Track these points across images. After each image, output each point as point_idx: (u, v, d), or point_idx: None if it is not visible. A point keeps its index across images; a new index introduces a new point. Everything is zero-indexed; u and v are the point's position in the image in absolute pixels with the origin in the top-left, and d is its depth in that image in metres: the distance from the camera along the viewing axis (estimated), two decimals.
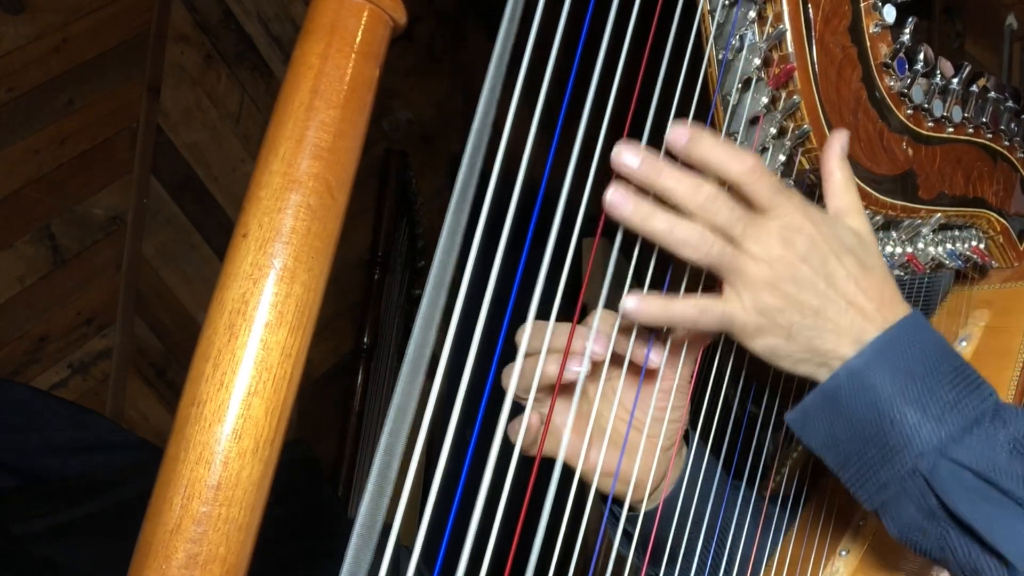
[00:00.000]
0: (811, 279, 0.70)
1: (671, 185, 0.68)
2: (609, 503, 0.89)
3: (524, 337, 0.73)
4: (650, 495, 0.89)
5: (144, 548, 0.49)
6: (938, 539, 0.69)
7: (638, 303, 0.69)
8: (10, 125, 2.51)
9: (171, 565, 0.49)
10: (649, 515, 0.89)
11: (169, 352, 2.84)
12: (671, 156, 0.70)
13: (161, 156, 2.83)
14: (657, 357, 0.81)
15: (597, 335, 0.77)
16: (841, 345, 0.71)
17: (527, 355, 0.76)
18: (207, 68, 2.93)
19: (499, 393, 0.64)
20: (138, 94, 2.76)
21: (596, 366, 0.79)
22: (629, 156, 0.68)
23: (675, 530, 0.90)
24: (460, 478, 0.59)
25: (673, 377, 0.83)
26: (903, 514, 0.70)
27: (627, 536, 0.91)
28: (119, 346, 2.74)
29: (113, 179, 2.73)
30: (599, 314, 0.78)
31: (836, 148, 0.76)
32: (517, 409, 0.71)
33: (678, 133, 0.69)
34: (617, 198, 0.68)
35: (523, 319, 0.69)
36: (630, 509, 0.89)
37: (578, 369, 0.76)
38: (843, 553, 0.92)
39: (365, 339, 3.04)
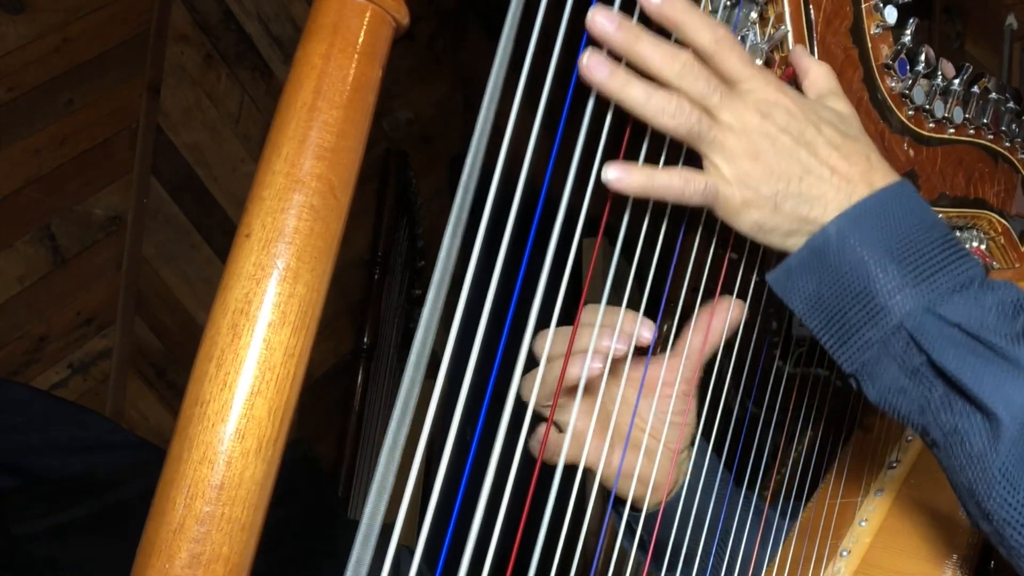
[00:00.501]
0: (791, 147, 0.70)
1: (647, 52, 0.68)
2: (612, 501, 0.90)
3: (547, 343, 0.78)
4: (653, 497, 0.89)
5: (147, 547, 0.49)
6: (919, 399, 0.67)
7: (620, 172, 0.68)
8: (10, 125, 2.51)
9: (174, 565, 0.49)
10: (652, 516, 0.90)
11: (169, 352, 2.84)
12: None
13: (161, 156, 2.83)
14: (657, 357, 0.81)
15: (606, 332, 0.78)
16: (828, 212, 0.70)
17: (549, 360, 0.79)
18: (207, 68, 2.93)
19: (501, 393, 0.64)
20: (138, 94, 2.76)
21: (614, 361, 0.80)
22: (604, 19, 0.66)
23: (678, 531, 0.90)
24: (462, 479, 0.59)
25: (674, 380, 0.86)
26: (884, 375, 0.68)
27: (632, 534, 0.92)
28: (119, 346, 2.74)
29: (113, 179, 2.73)
30: (603, 309, 0.79)
31: (800, 50, 0.77)
32: (521, 417, 0.71)
33: None
34: (593, 62, 0.66)
35: (525, 320, 0.69)
36: (633, 509, 0.90)
37: (600, 366, 0.78)
38: (844, 554, 0.92)
39: (365, 339, 3.04)
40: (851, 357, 0.69)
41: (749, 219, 0.71)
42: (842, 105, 0.75)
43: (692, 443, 0.92)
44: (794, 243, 0.71)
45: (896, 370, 0.68)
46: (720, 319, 0.86)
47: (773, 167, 0.69)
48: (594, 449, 0.84)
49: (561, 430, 0.84)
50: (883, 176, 0.72)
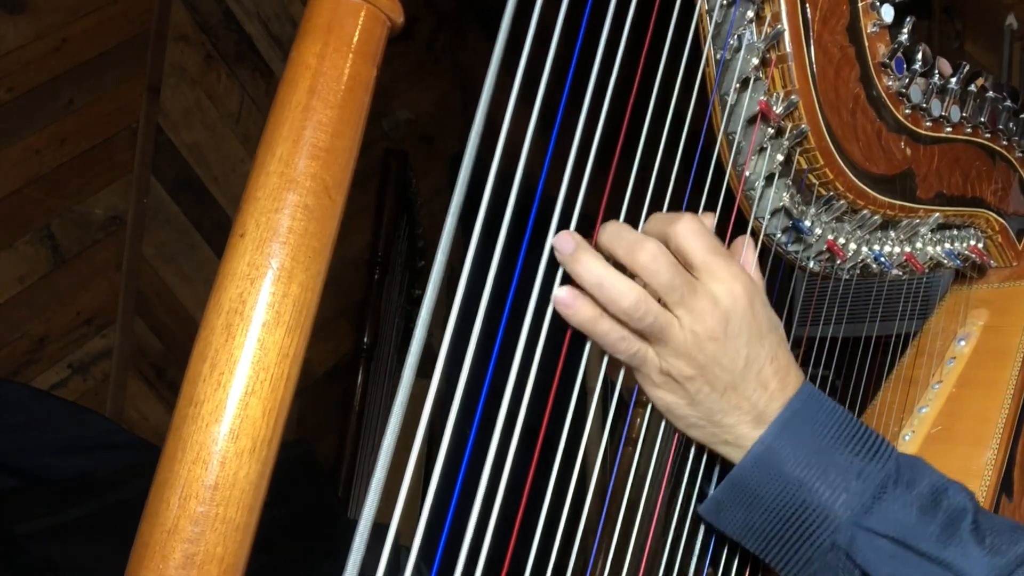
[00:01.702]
0: (732, 359, 0.71)
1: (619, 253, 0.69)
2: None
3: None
4: None
5: (141, 548, 0.49)
6: None
7: (569, 299, 0.69)
8: (10, 125, 2.51)
9: (168, 565, 0.49)
10: None
11: (169, 352, 2.84)
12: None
13: (161, 156, 2.83)
14: None
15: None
16: (741, 422, 0.72)
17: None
18: (207, 68, 2.93)
19: (498, 392, 0.64)
20: (138, 94, 2.76)
21: None
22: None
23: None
24: (458, 477, 0.59)
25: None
26: None
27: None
28: (119, 346, 2.74)
29: (113, 179, 2.73)
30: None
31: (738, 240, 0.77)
32: (516, 415, 0.71)
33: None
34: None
35: (521, 317, 0.69)
36: None
37: None
38: None
39: (365, 339, 3.04)
40: (796, 573, 0.72)
41: (662, 399, 0.73)
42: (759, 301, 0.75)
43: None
44: (697, 435, 0.75)
45: None
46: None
47: (706, 372, 0.71)
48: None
49: None
50: (792, 381, 0.73)
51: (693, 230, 0.70)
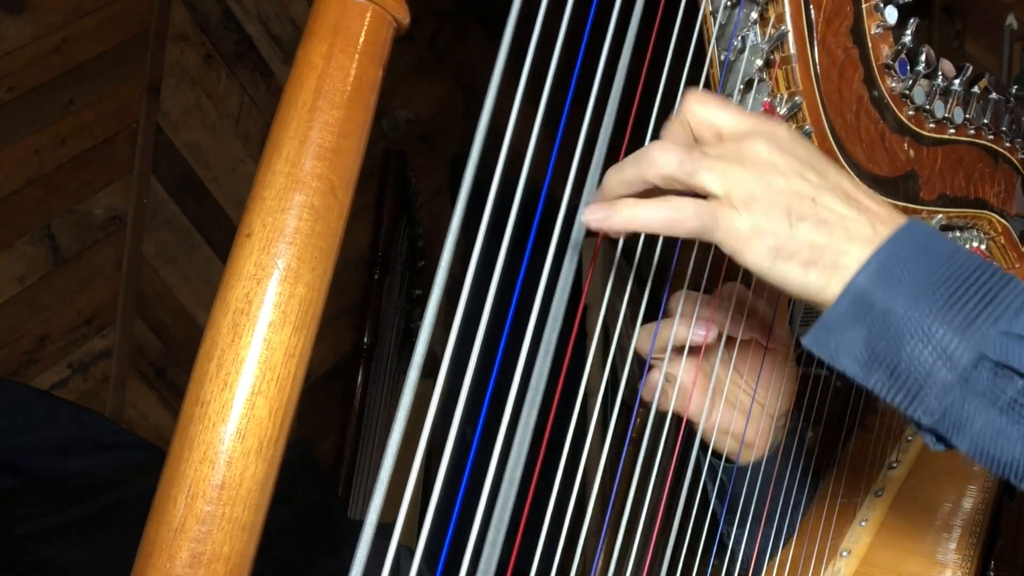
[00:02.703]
0: (799, 168, 0.63)
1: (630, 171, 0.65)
2: (711, 451, 0.96)
3: (679, 304, 0.84)
4: (746, 456, 0.96)
5: (148, 547, 0.49)
6: (1022, 436, 0.57)
7: (600, 212, 0.65)
8: (10, 125, 2.51)
9: (175, 564, 0.49)
10: (741, 470, 0.96)
11: (169, 352, 2.84)
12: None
13: (161, 156, 2.83)
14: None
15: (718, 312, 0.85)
16: (851, 240, 0.61)
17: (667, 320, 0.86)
18: (207, 68, 2.93)
19: (501, 393, 0.64)
20: (138, 94, 2.76)
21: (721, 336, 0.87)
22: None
23: (759, 491, 0.95)
24: (462, 478, 0.59)
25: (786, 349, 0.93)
26: (975, 419, 0.58)
27: (717, 484, 0.98)
28: (119, 346, 2.74)
29: (113, 179, 2.73)
30: (737, 289, 0.87)
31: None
32: (518, 416, 0.71)
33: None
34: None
35: (525, 320, 0.69)
36: (727, 460, 0.97)
37: (703, 333, 0.84)
38: (844, 554, 0.92)
39: (365, 339, 3.04)
40: (929, 408, 0.59)
41: (762, 246, 0.62)
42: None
43: (788, 410, 0.97)
44: (815, 279, 0.62)
45: (988, 408, 0.58)
46: None
47: (782, 186, 0.62)
48: (696, 402, 0.90)
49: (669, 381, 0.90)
50: (895, 213, 0.64)
51: (701, 101, 0.65)
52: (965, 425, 0.58)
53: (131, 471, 2.11)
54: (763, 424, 0.94)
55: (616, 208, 0.65)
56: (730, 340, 0.90)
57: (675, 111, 0.67)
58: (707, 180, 0.62)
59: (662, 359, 0.88)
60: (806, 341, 0.63)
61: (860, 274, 0.60)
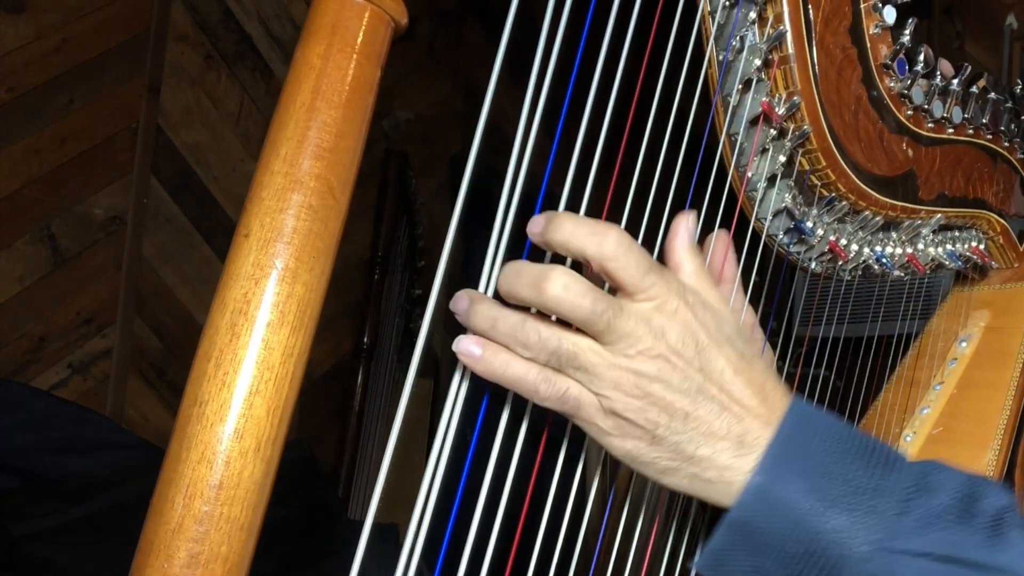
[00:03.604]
0: (683, 376, 0.61)
1: (523, 294, 0.60)
2: None
3: None
4: None
5: (146, 547, 0.49)
6: None
7: (477, 349, 0.61)
8: (10, 125, 2.51)
9: (173, 564, 0.49)
10: None
11: (169, 352, 2.84)
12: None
13: (161, 156, 2.83)
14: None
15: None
16: (720, 451, 0.61)
17: None
18: (207, 68, 2.93)
19: (501, 392, 0.64)
20: (138, 94, 2.77)
21: None
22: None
23: None
24: (461, 478, 0.59)
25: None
26: None
27: None
28: (119, 346, 2.74)
29: (113, 179, 2.73)
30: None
31: (677, 242, 0.67)
32: (521, 415, 0.71)
33: (532, 224, 0.61)
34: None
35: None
36: None
37: None
38: None
39: (365, 339, 3.04)
40: None
41: (621, 447, 0.62)
42: (725, 309, 0.66)
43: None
44: (672, 481, 0.63)
45: None
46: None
47: (656, 398, 0.60)
48: None
49: None
50: (780, 401, 0.63)
51: (618, 248, 0.59)
52: None
53: (131, 471, 2.11)
54: None
55: (491, 353, 0.61)
56: None
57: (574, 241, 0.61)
58: (580, 377, 0.61)
59: None
60: (698, 566, 0.64)
61: (745, 494, 0.60)
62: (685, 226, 0.67)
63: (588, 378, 0.61)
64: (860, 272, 0.92)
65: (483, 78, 0.58)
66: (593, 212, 0.68)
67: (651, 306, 0.60)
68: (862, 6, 0.81)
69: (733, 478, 0.61)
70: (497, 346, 0.61)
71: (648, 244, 0.78)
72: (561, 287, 0.58)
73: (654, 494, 0.90)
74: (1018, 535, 0.59)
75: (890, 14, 0.82)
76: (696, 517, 0.94)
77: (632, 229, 0.74)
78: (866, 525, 0.59)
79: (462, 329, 0.62)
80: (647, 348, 0.60)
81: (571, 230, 0.60)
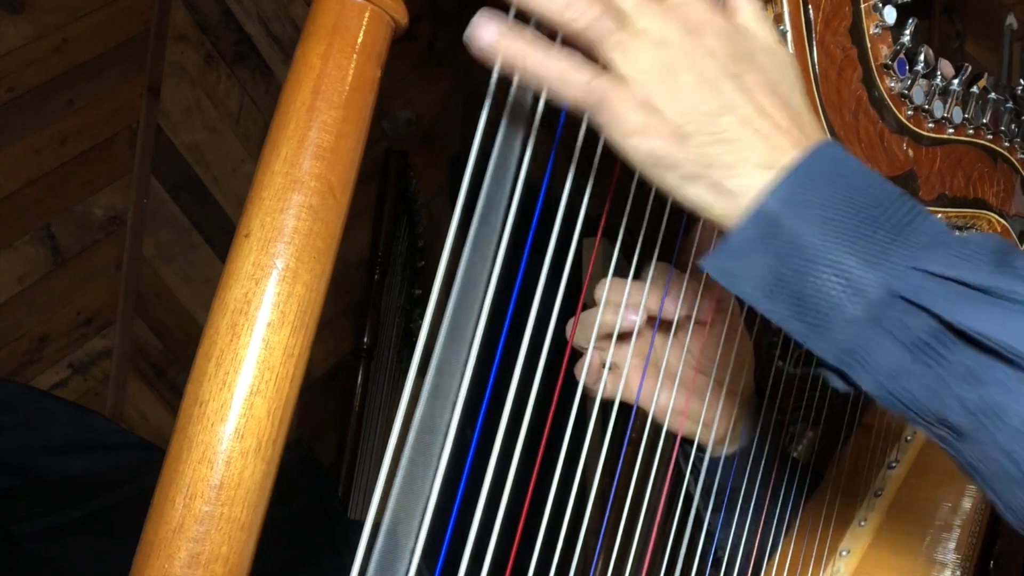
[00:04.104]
0: (715, 74, 0.57)
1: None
2: (679, 441, 0.92)
3: (604, 291, 0.80)
4: (717, 443, 0.92)
5: (146, 547, 0.49)
6: (929, 378, 0.54)
7: (495, 35, 0.59)
8: (10, 125, 2.51)
9: (173, 564, 0.49)
10: (714, 462, 0.92)
11: (169, 352, 2.85)
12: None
13: (161, 156, 2.83)
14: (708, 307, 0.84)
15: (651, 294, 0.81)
16: (747, 160, 0.57)
17: (593, 308, 0.82)
18: (207, 68, 2.93)
19: (501, 392, 0.64)
20: (138, 94, 2.76)
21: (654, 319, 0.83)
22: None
23: (734, 487, 0.92)
24: (461, 478, 0.59)
25: (723, 325, 0.87)
26: (880, 357, 0.54)
27: (696, 477, 0.94)
28: (119, 346, 2.74)
29: (113, 179, 2.73)
30: (653, 266, 0.82)
31: None
32: (521, 416, 0.71)
33: None
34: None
35: (524, 319, 0.69)
36: (699, 449, 0.93)
37: (634, 318, 0.80)
38: (844, 553, 0.92)
39: (365, 339, 3.04)
40: (834, 343, 0.55)
41: (643, 147, 0.58)
42: (782, 50, 0.64)
43: (756, 391, 0.94)
44: (694, 192, 0.58)
45: (895, 348, 0.54)
46: None
47: (688, 90, 0.57)
48: (647, 389, 0.86)
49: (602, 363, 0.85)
50: (816, 131, 0.60)
51: None
52: (870, 362, 0.55)
53: (131, 471, 2.11)
54: (724, 402, 0.90)
55: (510, 39, 0.59)
56: (671, 320, 0.86)
57: None
58: (614, 56, 0.58)
59: (602, 348, 0.84)
60: (705, 264, 0.59)
61: (769, 197, 0.56)
62: None
63: (624, 58, 0.57)
64: None
65: (484, 78, 0.58)
66: (594, 212, 0.68)
67: (684, 9, 0.58)
68: (862, 6, 0.81)
69: (756, 185, 0.57)
70: (516, 32, 0.58)
71: (649, 245, 0.78)
72: None
73: (654, 493, 0.90)
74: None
75: (890, 14, 0.82)
76: (696, 521, 0.94)
77: (633, 229, 0.74)
78: (898, 246, 0.54)
79: (462, 335, 0.62)
80: (679, 41, 0.57)
81: None
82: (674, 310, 0.83)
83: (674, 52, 0.57)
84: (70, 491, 2.06)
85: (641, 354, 0.87)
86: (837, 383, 0.57)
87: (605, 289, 0.83)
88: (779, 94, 0.60)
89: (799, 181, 0.56)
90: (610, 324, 0.82)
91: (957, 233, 0.98)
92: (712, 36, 0.58)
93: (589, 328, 0.83)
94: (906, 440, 1.03)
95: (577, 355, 0.84)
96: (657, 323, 0.85)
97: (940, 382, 0.53)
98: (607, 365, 0.85)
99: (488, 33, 0.59)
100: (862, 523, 0.94)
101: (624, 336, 0.84)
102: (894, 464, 1.01)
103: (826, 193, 0.56)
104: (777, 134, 0.58)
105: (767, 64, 0.61)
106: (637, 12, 0.58)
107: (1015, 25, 2.30)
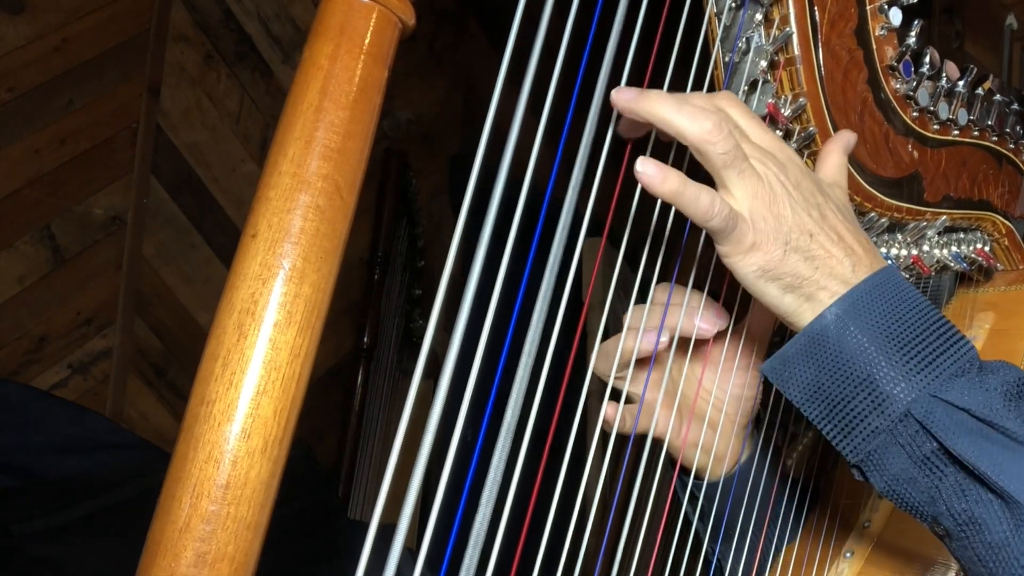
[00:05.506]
0: (803, 203, 0.69)
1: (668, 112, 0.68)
2: (677, 470, 0.94)
3: (627, 319, 0.84)
4: (716, 468, 0.93)
5: (153, 547, 0.49)
6: (929, 489, 0.66)
7: (656, 171, 0.66)
8: (10, 125, 2.50)
9: (180, 563, 0.49)
10: (713, 486, 0.93)
11: (169, 352, 2.84)
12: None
13: (161, 156, 2.83)
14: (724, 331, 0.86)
15: (675, 310, 0.84)
16: (829, 278, 0.69)
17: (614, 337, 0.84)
18: (207, 68, 2.93)
19: (504, 394, 0.64)
20: (138, 94, 2.76)
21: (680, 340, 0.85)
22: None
23: (733, 506, 0.93)
24: (465, 481, 0.59)
25: (747, 357, 0.90)
26: (891, 465, 0.67)
27: (695, 503, 0.96)
28: (119, 346, 2.74)
29: (113, 179, 2.73)
30: (672, 287, 0.85)
31: (842, 138, 0.78)
32: (525, 420, 0.71)
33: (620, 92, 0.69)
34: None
35: (527, 321, 0.68)
36: (697, 478, 0.94)
37: (664, 339, 0.82)
38: (848, 555, 0.92)
39: (365, 339, 3.04)
40: (857, 447, 0.68)
41: (756, 262, 0.69)
42: (844, 197, 0.76)
43: (758, 418, 0.95)
44: (790, 303, 0.70)
45: (904, 459, 0.66)
46: None
47: (787, 216, 0.68)
48: (663, 419, 0.88)
49: (631, 401, 0.87)
50: (875, 259, 0.71)
51: (733, 103, 0.71)
52: (884, 468, 0.67)
53: (131, 471, 2.11)
54: (726, 430, 0.91)
55: (670, 175, 0.66)
56: (685, 346, 0.88)
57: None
58: (736, 182, 0.68)
59: (623, 378, 0.85)
60: (764, 369, 0.71)
61: (829, 311, 0.68)
62: (846, 134, 0.78)
63: (740, 176, 0.68)
64: None
65: (483, 78, 0.58)
66: (597, 214, 0.68)
67: (771, 150, 0.71)
68: (868, 8, 0.81)
69: (827, 300, 0.68)
70: (674, 170, 0.67)
71: (653, 246, 0.78)
72: (715, 122, 0.66)
73: (657, 500, 0.90)
74: None
75: (896, 16, 0.82)
76: (696, 529, 0.94)
77: (636, 231, 0.74)
78: (922, 374, 0.65)
79: (472, 333, 0.62)
80: (773, 175, 0.69)
81: (670, 101, 0.68)
82: (691, 329, 0.85)
83: (772, 184, 0.69)
84: (70, 491, 2.06)
85: (654, 383, 0.88)
86: (855, 474, 0.69)
87: (628, 316, 0.85)
88: (849, 222, 0.72)
89: (858, 300, 0.68)
90: (631, 351, 0.83)
91: (959, 235, 0.98)
92: (796, 171, 0.71)
93: (611, 356, 0.84)
94: None
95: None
96: (674, 346, 0.85)
97: (937, 492, 0.66)
98: (623, 398, 0.85)
99: (652, 169, 0.66)
100: (866, 524, 0.94)
101: (641, 364, 0.85)
102: None
103: (876, 315, 0.67)
104: (851, 256, 0.70)
105: (836, 197, 0.73)
106: (747, 146, 0.69)
107: (1015, 25, 2.30)
